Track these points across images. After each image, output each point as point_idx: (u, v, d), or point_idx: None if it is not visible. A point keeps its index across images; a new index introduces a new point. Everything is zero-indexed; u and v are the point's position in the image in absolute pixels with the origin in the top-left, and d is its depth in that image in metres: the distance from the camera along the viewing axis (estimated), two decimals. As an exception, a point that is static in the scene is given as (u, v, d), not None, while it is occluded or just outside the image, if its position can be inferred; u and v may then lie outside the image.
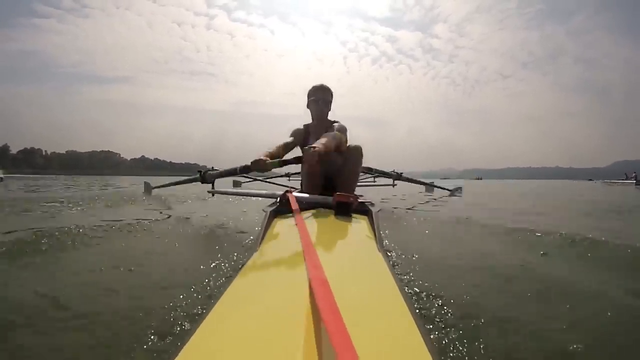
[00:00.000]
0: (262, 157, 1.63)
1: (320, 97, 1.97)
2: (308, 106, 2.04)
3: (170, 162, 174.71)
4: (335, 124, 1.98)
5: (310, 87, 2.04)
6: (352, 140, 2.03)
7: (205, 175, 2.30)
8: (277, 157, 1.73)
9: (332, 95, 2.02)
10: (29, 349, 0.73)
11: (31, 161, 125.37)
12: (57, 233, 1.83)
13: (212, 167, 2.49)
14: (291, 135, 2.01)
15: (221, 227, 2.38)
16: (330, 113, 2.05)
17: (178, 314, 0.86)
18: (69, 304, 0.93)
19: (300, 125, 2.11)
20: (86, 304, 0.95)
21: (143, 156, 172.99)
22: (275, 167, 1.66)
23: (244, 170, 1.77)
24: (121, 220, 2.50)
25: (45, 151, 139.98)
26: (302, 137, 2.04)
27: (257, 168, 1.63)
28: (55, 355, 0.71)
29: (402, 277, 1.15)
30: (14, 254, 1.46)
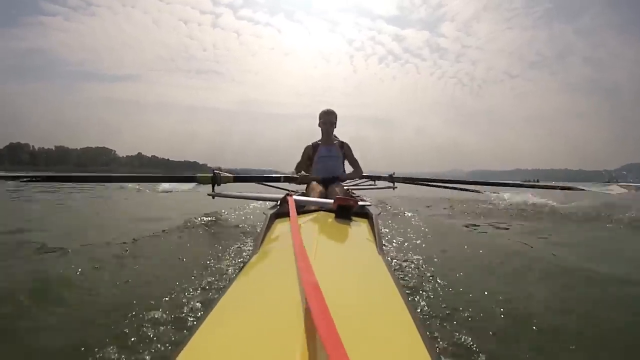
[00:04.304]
0: (302, 173, 2.52)
1: (327, 120, 2.62)
2: (319, 125, 2.67)
3: (168, 159, 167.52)
4: (343, 142, 2.74)
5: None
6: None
7: (219, 177, 2.24)
8: (302, 169, 2.65)
9: (336, 117, 2.66)
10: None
11: (15, 157, 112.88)
12: None
13: (220, 167, 2.46)
14: (304, 152, 2.73)
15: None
16: (335, 130, 2.72)
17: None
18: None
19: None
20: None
21: (140, 153, 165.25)
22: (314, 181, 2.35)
23: (287, 179, 2.38)
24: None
25: (33, 146, 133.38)
26: (311, 150, 2.71)
27: (302, 181, 2.42)
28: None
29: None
30: None
